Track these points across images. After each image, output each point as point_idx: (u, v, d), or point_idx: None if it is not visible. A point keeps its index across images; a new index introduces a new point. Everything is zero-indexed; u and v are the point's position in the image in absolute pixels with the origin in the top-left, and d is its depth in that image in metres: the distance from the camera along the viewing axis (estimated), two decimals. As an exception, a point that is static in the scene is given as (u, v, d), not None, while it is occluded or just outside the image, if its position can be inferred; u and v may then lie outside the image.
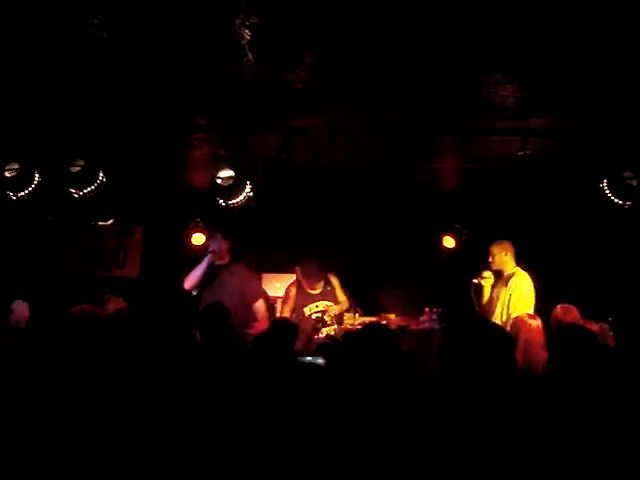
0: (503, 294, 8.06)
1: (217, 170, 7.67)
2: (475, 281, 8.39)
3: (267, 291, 9.26)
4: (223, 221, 9.27)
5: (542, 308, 6.32)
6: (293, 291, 8.74)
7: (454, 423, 4.01)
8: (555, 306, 6.61)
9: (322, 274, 8.64)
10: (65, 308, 7.94)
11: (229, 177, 7.63)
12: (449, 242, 9.55)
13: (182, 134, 7.81)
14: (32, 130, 7.51)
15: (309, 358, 5.50)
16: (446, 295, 9.42)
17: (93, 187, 7.84)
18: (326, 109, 7.03)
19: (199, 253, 8.77)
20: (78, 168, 7.75)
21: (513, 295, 7.90)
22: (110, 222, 10.60)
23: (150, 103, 6.91)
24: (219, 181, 7.66)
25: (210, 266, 8.25)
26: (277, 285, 9.23)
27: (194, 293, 8.30)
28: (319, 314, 8.60)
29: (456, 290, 9.39)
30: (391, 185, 9.42)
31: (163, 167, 8.89)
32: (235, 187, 7.69)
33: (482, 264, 8.34)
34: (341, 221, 10.12)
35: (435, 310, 9.29)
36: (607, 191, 7.48)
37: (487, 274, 8.31)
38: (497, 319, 7.84)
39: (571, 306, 6.51)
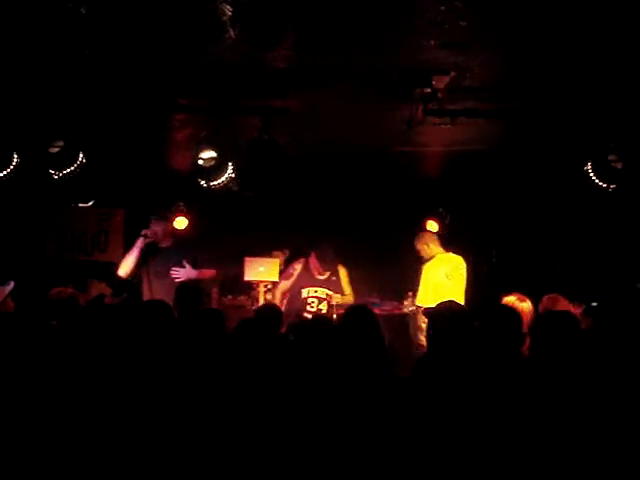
0: (435, 275, 8.46)
1: (199, 151, 7.55)
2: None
3: (250, 275, 9.17)
4: (205, 203, 9.19)
5: (528, 293, 6.23)
6: (298, 269, 8.62)
7: (441, 406, 3.98)
8: (542, 292, 6.56)
9: (336, 262, 8.53)
10: (45, 290, 7.85)
11: (211, 158, 7.52)
12: (433, 226, 9.47)
13: (163, 115, 7.68)
14: (10, 110, 7.35)
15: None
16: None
17: (73, 168, 7.71)
18: (308, 90, 6.95)
19: (181, 237, 8.63)
20: (57, 149, 7.61)
21: (447, 275, 8.36)
22: (90, 204, 10.44)
23: (130, 82, 6.78)
24: (201, 162, 7.55)
25: (152, 249, 8.01)
26: (260, 269, 9.10)
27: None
28: (315, 300, 8.44)
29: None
30: (374, 169, 9.32)
31: (144, 148, 8.76)
32: (217, 168, 7.59)
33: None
34: (323, 204, 10.04)
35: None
36: (591, 174, 7.43)
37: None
38: (432, 298, 8.06)
39: (558, 295, 6.47)
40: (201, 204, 9.51)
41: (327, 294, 8.46)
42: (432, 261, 8.46)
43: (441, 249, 8.53)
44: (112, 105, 7.28)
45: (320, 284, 8.51)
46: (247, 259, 9.41)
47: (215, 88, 6.85)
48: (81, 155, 7.77)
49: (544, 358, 4.39)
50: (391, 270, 9.65)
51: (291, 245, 8.66)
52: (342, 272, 8.59)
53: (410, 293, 9.30)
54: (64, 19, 5.45)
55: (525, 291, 6.29)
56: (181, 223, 9.73)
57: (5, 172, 7.71)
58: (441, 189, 9.49)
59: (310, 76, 6.60)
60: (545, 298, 6.50)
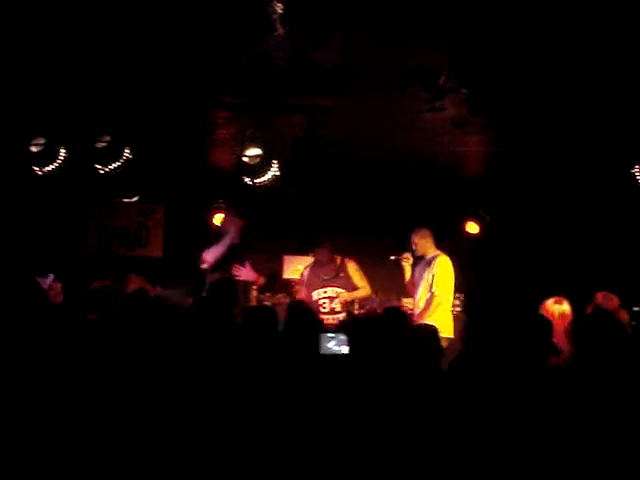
0: (426, 274, 8.21)
1: (244, 148, 7.56)
2: (392, 257, 8.51)
3: (289, 273, 9.19)
4: (245, 202, 9.22)
5: (575, 295, 6.13)
6: (305, 274, 8.63)
7: (478, 407, 3.95)
8: (591, 292, 6.47)
9: (336, 260, 8.49)
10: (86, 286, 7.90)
11: (256, 155, 7.52)
12: (473, 228, 9.41)
13: (208, 112, 7.71)
14: (59, 105, 7.42)
15: (331, 334, 5.37)
16: (469, 281, 9.31)
17: (118, 163, 7.76)
18: (353, 89, 6.90)
19: (220, 233, 8.68)
20: (104, 144, 7.66)
21: (435, 275, 8.07)
22: (135, 199, 10.53)
23: (176, 78, 6.80)
24: (246, 159, 7.55)
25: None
26: (299, 267, 9.13)
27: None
28: (326, 300, 8.41)
29: (478, 276, 9.31)
30: (415, 168, 9.28)
31: (188, 145, 8.77)
32: (262, 166, 7.58)
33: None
34: (363, 204, 10.01)
35: (457, 295, 9.18)
36: (638, 177, 7.34)
37: (407, 255, 8.45)
38: (421, 297, 8.15)
39: (612, 294, 6.38)
40: (241, 201, 9.53)
41: (336, 292, 8.42)
42: (442, 256, 8.25)
43: (434, 248, 8.34)
44: (158, 101, 7.31)
45: (328, 283, 8.48)
46: (286, 257, 9.42)
47: (261, 86, 6.85)
48: (127, 151, 7.80)
49: (588, 360, 4.34)
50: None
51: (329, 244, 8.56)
52: (351, 267, 8.49)
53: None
54: (114, 14, 5.50)
55: (570, 295, 6.21)
56: (219, 219, 9.75)
57: (52, 166, 7.78)
58: (482, 190, 9.41)
59: (355, 75, 6.57)
60: (599, 295, 6.39)
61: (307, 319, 5.48)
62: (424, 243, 8.31)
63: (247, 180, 7.79)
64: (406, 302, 9.00)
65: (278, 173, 7.73)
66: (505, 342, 4.57)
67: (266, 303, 9.10)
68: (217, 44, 6.02)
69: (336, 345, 5.09)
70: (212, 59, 6.35)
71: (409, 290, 8.57)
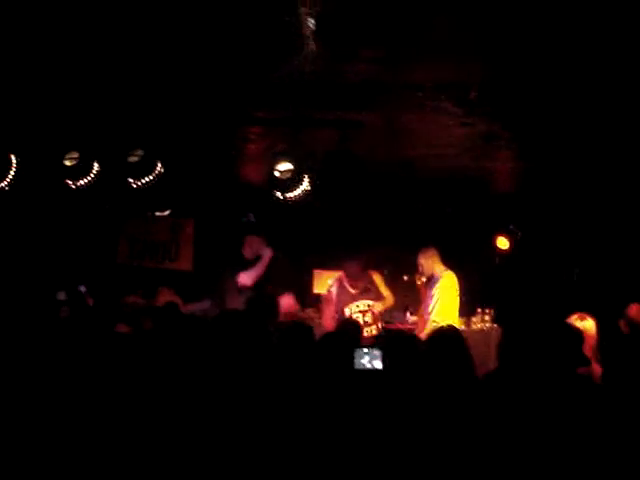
0: (431, 294, 8.22)
1: (275, 163, 7.59)
2: (405, 278, 8.83)
3: (319, 288, 9.19)
4: (274, 215, 9.25)
5: (606, 309, 6.07)
6: (334, 291, 8.61)
7: (514, 422, 3.92)
8: (623, 307, 6.40)
9: (366, 274, 8.49)
10: (116, 299, 7.97)
11: (287, 170, 7.55)
12: (503, 243, 9.38)
13: (239, 126, 7.76)
14: (93, 120, 7.51)
15: (365, 350, 5.33)
16: (499, 296, 9.28)
17: (151, 177, 7.83)
18: (385, 104, 6.92)
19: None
20: (137, 158, 7.73)
21: (436, 301, 8.07)
22: (166, 213, 10.61)
23: (209, 94, 6.85)
24: (277, 174, 7.58)
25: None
26: (329, 282, 9.13)
27: None
28: (360, 314, 8.38)
29: (509, 290, 9.27)
30: (447, 184, 9.28)
31: (219, 160, 8.83)
32: (293, 180, 7.62)
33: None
34: (394, 219, 10.00)
35: (488, 310, 9.16)
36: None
37: (419, 275, 8.48)
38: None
39: None
40: (271, 216, 9.57)
41: (368, 305, 8.39)
42: (445, 278, 8.18)
43: (442, 265, 8.29)
44: (190, 116, 7.37)
45: (359, 297, 8.44)
46: (316, 271, 9.41)
47: (293, 101, 6.87)
48: (159, 165, 7.86)
49: (622, 378, 4.30)
50: (459, 286, 9.55)
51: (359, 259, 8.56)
52: (376, 278, 8.47)
53: (479, 310, 9.20)
54: (147, 28, 5.55)
55: (610, 312, 6.13)
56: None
57: (86, 180, 7.86)
58: (513, 205, 9.37)
59: (387, 90, 6.58)
60: (633, 307, 6.31)
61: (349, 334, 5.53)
62: (430, 263, 8.28)
63: (278, 195, 7.82)
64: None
65: (309, 187, 7.75)
66: (538, 354, 4.55)
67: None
68: (249, 60, 6.06)
69: (370, 361, 5.05)
70: (244, 75, 6.39)
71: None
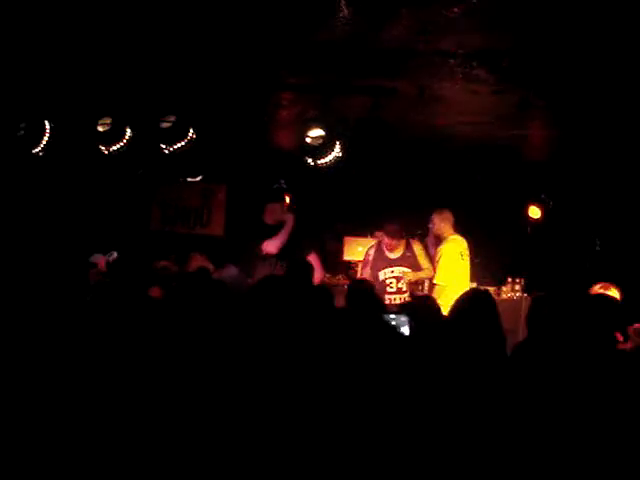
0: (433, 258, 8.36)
1: (307, 129, 7.59)
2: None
3: (349, 255, 9.20)
4: (307, 181, 9.26)
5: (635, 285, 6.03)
6: (371, 254, 8.60)
7: (543, 391, 3.91)
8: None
9: (406, 241, 8.48)
10: (149, 264, 8.03)
11: (319, 136, 7.54)
12: (535, 212, 9.32)
13: (272, 93, 7.76)
14: (125, 85, 7.54)
15: (392, 316, 5.35)
16: (529, 265, 9.24)
17: (183, 143, 7.87)
18: (418, 71, 6.85)
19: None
20: (169, 124, 7.77)
21: (438, 263, 8.13)
22: (198, 179, 10.66)
23: (242, 59, 6.84)
24: (309, 140, 7.58)
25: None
26: (359, 249, 9.14)
27: None
28: (393, 279, 8.38)
29: (540, 260, 9.23)
30: (478, 152, 9.22)
31: (251, 126, 8.81)
32: (324, 147, 7.60)
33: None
34: (423, 188, 9.97)
35: (519, 280, 9.12)
36: None
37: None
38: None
39: None
40: (303, 182, 9.58)
41: (403, 272, 8.36)
42: (450, 242, 8.22)
43: (452, 230, 8.31)
44: (223, 82, 7.37)
45: (395, 263, 8.42)
46: (347, 238, 9.42)
47: (326, 67, 6.85)
48: (191, 131, 7.89)
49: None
50: (489, 255, 9.54)
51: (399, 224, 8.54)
52: (417, 247, 8.45)
53: (510, 279, 9.17)
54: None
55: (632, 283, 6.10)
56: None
57: (118, 145, 7.92)
58: (545, 174, 9.30)
59: (420, 57, 6.52)
60: None
61: (369, 299, 5.51)
62: (442, 226, 8.30)
63: (309, 161, 7.82)
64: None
65: (340, 154, 7.75)
66: (573, 325, 4.51)
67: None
68: (282, 24, 6.02)
69: (397, 326, 5.08)
70: (277, 39, 6.35)
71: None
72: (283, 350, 4.00)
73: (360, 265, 8.94)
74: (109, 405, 3.89)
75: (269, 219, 8.12)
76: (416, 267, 8.36)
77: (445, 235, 8.26)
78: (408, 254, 8.39)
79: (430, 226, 8.39)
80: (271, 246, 7.94)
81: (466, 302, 4.62)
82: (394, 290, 8.29)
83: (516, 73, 6.60)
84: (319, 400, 3.69)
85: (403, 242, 8.38)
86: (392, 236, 8.29)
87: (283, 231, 8.00)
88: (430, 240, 8.46)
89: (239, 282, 6.54)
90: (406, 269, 8.34)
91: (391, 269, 8.37)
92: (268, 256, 7.86)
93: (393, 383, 3.89)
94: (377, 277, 8.34)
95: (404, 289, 8.30)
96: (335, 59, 6.62)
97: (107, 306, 4.97)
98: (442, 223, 8.29)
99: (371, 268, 8.46)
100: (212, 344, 4.21)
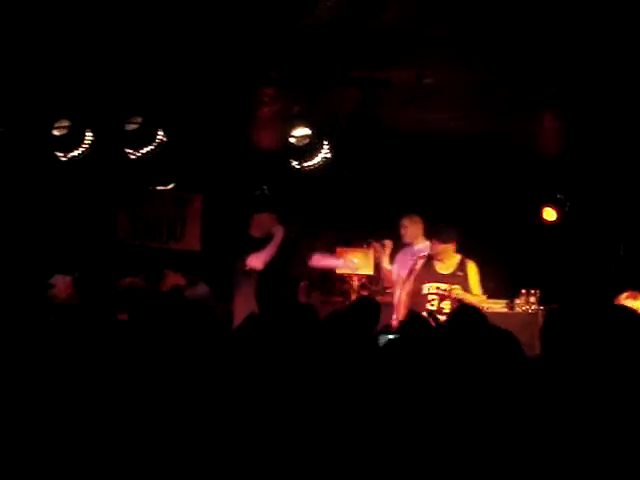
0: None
1: (291, 128, 7.63)
2: (374, 242, 8.79)
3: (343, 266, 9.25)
4: (292, 188, 9.26)
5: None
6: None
7: (559, 409, 3.94)
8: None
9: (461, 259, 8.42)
10: (117, 280, 8.00)
11: (305, 136, 7.58)
12: (550, 214, 9.36)
13: (252, 89, 7.81)
14: (84, 83, 7.53)
15: (390, 336, 5.36)
16: (545, 274, 9.27)
17: (152, 147, 7.88)
18: (413, 59, 6.93)
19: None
20: (135, 126, 7.78)
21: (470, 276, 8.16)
22: (171, 187, 10.66)
23: (217, 51, 6.87)
24: (293, 140, 7.62)
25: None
26: (355, 260, 9.17)
27: None
28: (436, 297, 8.12)
29: (557, 268, 9.25)
30: (485, 149, 9.26)
31: (228, 126, 8.87)
32: (311, 147, 7.66)
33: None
34: (425, 190, 9.98)
35: (533, 292, 9.14)
36: None
37: (388, 242, 8.67)
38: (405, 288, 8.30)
39: None
40: (287, 188, 9.57)
41: (452, 288, 8.07)
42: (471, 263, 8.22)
43: (423, 237, 8.46)
44: (196, 78, 7.40)
45: (444, 280, 8.20)
46: (339, 249, 9.44)
47: (311, 57, 6.91)
48: (161, 133, 7.90)
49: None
50: (500, 264, 9.54)
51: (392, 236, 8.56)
52: (471, 268, 8.17)
53: (524, 290, 9.19)
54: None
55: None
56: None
57: (78, 151, 7.90)
58: (560, 173, 9.33)
59: (417, 44, 6.58)
60: None
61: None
62: (414, 230, 8.47)
63: (294, 164, 7.84)
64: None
65: (329, 155, 7.77)
66: (593, 342, 4.51)
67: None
68: (262, 9, 6.04)
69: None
70: (257, 27, 6.39)
71: (386, 279, 8.92)
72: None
73: (394, 267, 8.81)
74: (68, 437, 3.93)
75: (256, 231, 8.14)
76: (465, 290, 8.25)
77: (420, 242, 8.41)
78: (460, 273, 8.15)
79: (402, 231, 8.51)
80: (256, 261, 7.96)
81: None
82: (434, 309, 8.11)
83: (525, 61, 6.64)
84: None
85: (458, 258, 8.26)
86: (444, 240, 8.16)
87: (271, 244, 8.02)
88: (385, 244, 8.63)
89: (207, 302, 6.57)
90: (456, 286, 8.19)
91: (437, 284, 8.18)
92: (252, 272, 7.88)
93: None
94: (419, 290, 8.17)
95: (445, 310, 8.10)
96: (321, 47, 6.68)
97: (70, 330, 4.97)
98: (414, 227, 8.46)
99: (415, 279, 8.39)
100: (185, 377, 4.26)
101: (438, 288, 8.10)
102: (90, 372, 4.42)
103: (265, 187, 9.90)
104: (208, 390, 4.14)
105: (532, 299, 9.22)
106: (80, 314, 5.54)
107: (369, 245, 8.77)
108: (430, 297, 8.09)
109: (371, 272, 9.26)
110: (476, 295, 8.15)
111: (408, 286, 8.32)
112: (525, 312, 9.08)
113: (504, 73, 7.03)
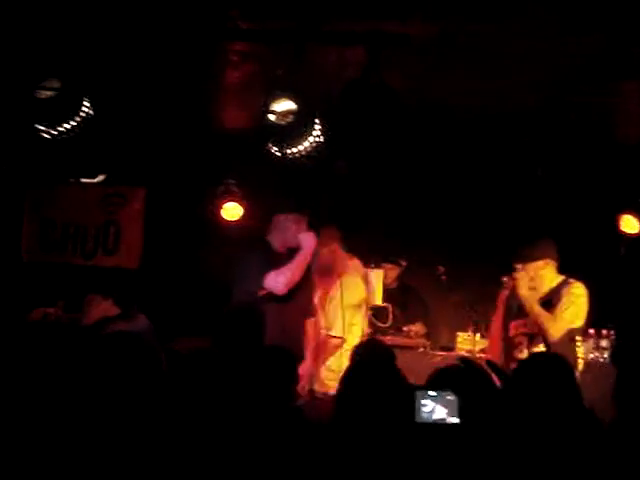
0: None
1: (270, 101, 7.59)
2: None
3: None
4: (270, 182, 9.25)
5: None
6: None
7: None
8: None
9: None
10: (23, 312, 8.00)
11: (288, 111, 7.54)
12: (631, 225, 9.37)
13: (214, 44, 7.75)
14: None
15: (432, 393, 5.28)
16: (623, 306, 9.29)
17: (74, 123, 7.81)
18: (439, 10, 6.87)
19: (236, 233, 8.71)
20: (50, 93, 7.71)
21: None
22: (98, 179, 10.62)
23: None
24: (273, 117, 7.57)
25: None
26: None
27: None
28: (524, 338, 8.11)
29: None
30: (535, 133, 9.24)
31: (182, 97, 8.87)
32: (297, 127, 7.63)
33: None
34: (457, 187, 10.00)
35: (606, 333, 9.13)
36: None
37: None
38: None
39: None
40: (264, 182, 9.57)
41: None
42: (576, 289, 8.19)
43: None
44: (137, 29, 7.34)
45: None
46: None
47: (295, 4, 6.86)
48: (86, 104, 7.84)
49: None
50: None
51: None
52: (576, 291, 8.09)
53: (593, 331, 9.18)
54: None
55: None
56: (232, 212, 9.87)
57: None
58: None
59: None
60: None
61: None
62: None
63: (274, 150, 7.81)
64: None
65: (321, 138, 7.73)
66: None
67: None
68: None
69: (440, 410, 4.99)
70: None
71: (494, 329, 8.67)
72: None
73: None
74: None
75: (280, 241, 8.07)
76: None
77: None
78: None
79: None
80: (276, 281, 7.83)
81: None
82: (524, 356, 7.96)
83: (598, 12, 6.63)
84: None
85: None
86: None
87: (297, 259, 7.91)
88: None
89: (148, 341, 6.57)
90: None
91: (523, 321, 8.16)
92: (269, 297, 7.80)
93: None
94: (506, 330, 8.25)
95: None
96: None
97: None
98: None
99: (502, 318, 8.36)
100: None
101: (525, 325, 8.10)
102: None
103: (232, 181, 9.90)
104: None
105: (604, 343, 9.21)
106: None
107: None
108: (517, 340, 8.13)
109: (379, 303, 9.26)
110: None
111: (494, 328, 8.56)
112: (595, 361, 9.09)
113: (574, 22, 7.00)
